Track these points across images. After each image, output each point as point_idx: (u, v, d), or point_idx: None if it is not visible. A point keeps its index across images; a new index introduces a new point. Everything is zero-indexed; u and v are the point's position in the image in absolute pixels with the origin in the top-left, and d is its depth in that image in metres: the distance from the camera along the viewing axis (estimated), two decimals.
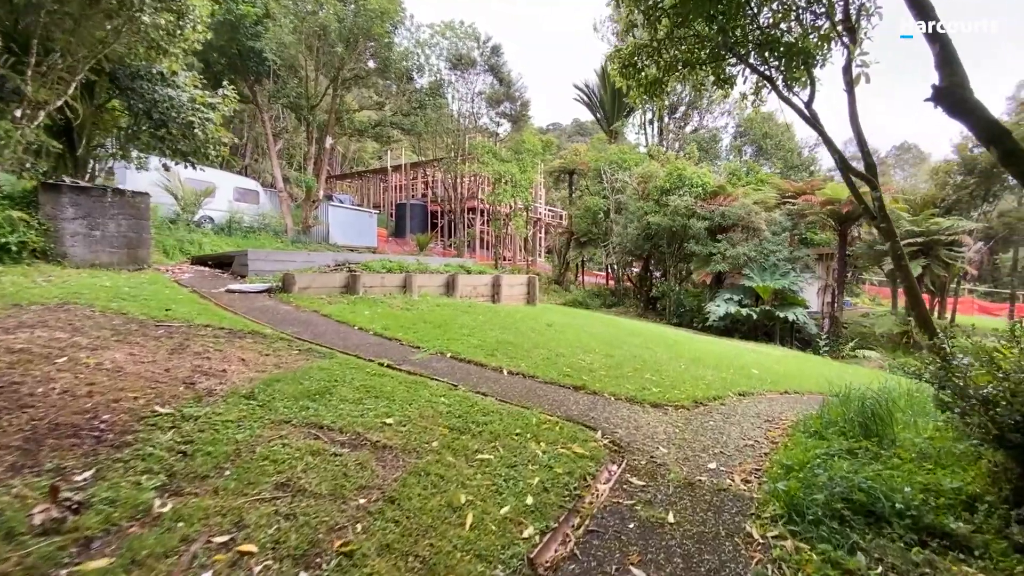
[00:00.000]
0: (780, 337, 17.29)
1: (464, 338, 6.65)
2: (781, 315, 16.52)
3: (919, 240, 15.96)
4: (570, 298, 23.48)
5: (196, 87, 10.87)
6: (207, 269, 9.59)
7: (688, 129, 30.84)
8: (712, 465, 3.77)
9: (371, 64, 23.26)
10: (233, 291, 7.48)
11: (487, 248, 35.69)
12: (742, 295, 17.76)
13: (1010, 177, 20.48)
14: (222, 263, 9.60)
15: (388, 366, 4.96)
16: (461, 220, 30.30)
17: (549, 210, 42.08)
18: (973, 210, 20.18)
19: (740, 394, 6.81)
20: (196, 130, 10.40)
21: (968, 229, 16.73)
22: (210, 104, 10.74)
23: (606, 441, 4.00)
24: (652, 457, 3.80)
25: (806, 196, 18.82)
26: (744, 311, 16.62)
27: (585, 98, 33.08)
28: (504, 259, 37.65)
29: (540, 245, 42.73)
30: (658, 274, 23.46)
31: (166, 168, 11.54)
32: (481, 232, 33.37)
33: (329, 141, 24.11)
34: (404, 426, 3.54)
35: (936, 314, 21.83)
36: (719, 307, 17.07)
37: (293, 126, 30.92)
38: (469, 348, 6.16)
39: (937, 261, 16.13)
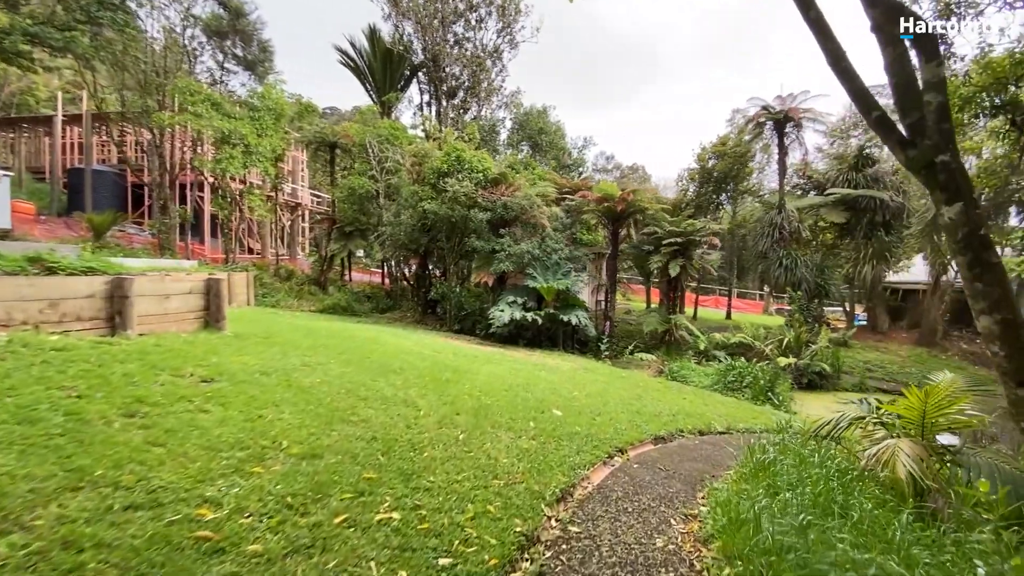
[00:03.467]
0: (563, 341, 16.02)
1: None
2: (564, 318, 15.15)
3: (679, 240, 16.59)
4: (329, 302, 18.57)
5: None
6: None
7: (468, 118, 28.91)
8: None
9: None
10: None
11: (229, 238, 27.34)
12: (525, 296, 15.94)
13: (731, 186, 23.96)
14: None
15: None
16: (173, 196, 21.94)
17: (315, 195, 35.46)
18: (708, 214, 23.09)
19: (558, 499, 3.77)
20: None
21: (718, 231, 18.43)
22: None
23: None
24: None
25: (582, 192, 18.17)
26: (529, 316, 14.71)
27: (351, 62, 27.84)
28: (251, 253, 29.85)
29: (303, 236, 35.81)
30: (439, 273, 20.44)
31: None
32: (215, 216, 25.12)
33: None
34: None
35: (679, 309, 24.29)
36: (503, 312, 14.80)
37: None
38: None
39: (690, 261, 17.06)
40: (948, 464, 3.92)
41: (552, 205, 17.65)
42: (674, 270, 16.94)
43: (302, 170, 35.24)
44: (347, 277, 23.22)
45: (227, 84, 22.22)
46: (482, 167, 16.20)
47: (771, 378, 11.24)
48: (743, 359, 12.94)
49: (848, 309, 21.09)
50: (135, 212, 25.18)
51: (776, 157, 20.29)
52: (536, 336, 15.67)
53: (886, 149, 24.77)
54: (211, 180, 21.92)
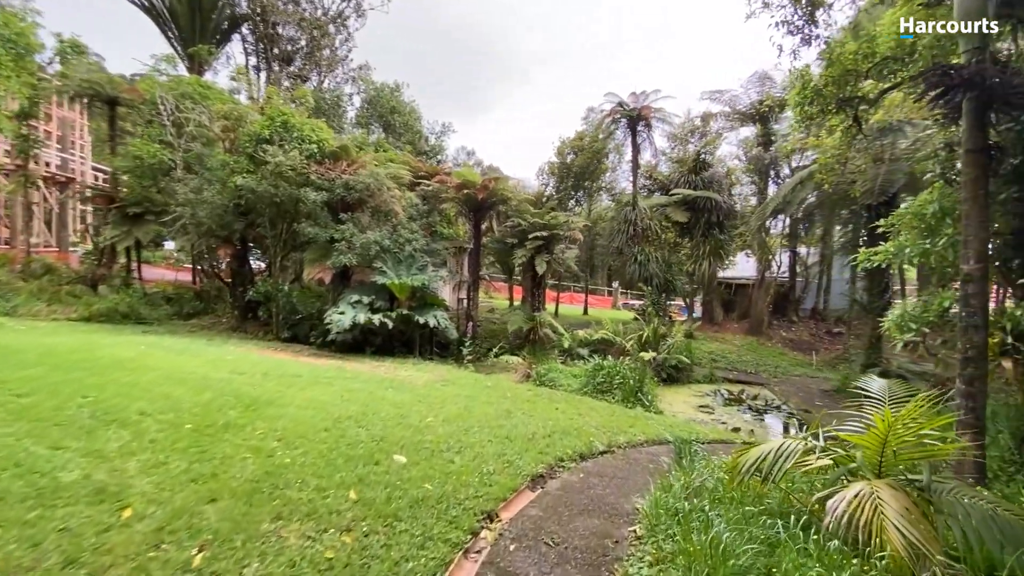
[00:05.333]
0: (419, 346, 13.97)
1: None
2: (420, 320, 13.13)
3: (542, 234, 15.72)
4: (102, 307, 13.83)
5: None
6: None
7: (307, 87, 24.89)
8: None
9: None
10: None
11: None
12: (374, 295, 13.51)
13: (589, 183, 24.16)
14: None
15: None
16: None
17: (101, 170, 27.77)
18: (568, 210, 23.02)
19: None
20: None
21: (583, 225, 18.06)
22: None
23: None
24: None
25: (440, 178, 16.32)
26: (377, 318, 12.35)
27: (144, 1, 21.77)
28: None
29: (83, 222, 27.92)
30: (264, 267, 16.81)
31: None
32: None
33: None
34: None
35: (541, 306, 23.86)
36: (344, 315, 12.22)
37: None
38: None
39: (554, 256, 16.34)
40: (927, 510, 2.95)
41: (406, 190, 15.45)
42: (541, 267, 16.05)
43: (80, 137, 27.42)
44: (136, 273, 17.96)
45: None
46: (317, 137, 13.31)
47: (640, 377, 10.71)
48: (609, 357, 12.38)
49: (688, 303, 22.66)
50: None
51: (628, 157, 20.82)
52: (387, 342, 13.36)
53: (719, 152, 27.60)
54: None
